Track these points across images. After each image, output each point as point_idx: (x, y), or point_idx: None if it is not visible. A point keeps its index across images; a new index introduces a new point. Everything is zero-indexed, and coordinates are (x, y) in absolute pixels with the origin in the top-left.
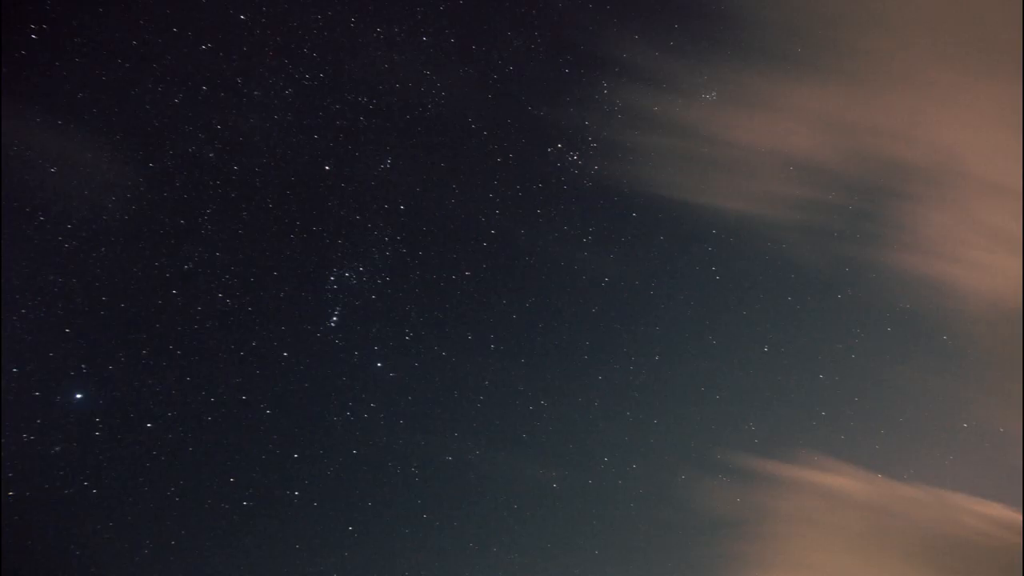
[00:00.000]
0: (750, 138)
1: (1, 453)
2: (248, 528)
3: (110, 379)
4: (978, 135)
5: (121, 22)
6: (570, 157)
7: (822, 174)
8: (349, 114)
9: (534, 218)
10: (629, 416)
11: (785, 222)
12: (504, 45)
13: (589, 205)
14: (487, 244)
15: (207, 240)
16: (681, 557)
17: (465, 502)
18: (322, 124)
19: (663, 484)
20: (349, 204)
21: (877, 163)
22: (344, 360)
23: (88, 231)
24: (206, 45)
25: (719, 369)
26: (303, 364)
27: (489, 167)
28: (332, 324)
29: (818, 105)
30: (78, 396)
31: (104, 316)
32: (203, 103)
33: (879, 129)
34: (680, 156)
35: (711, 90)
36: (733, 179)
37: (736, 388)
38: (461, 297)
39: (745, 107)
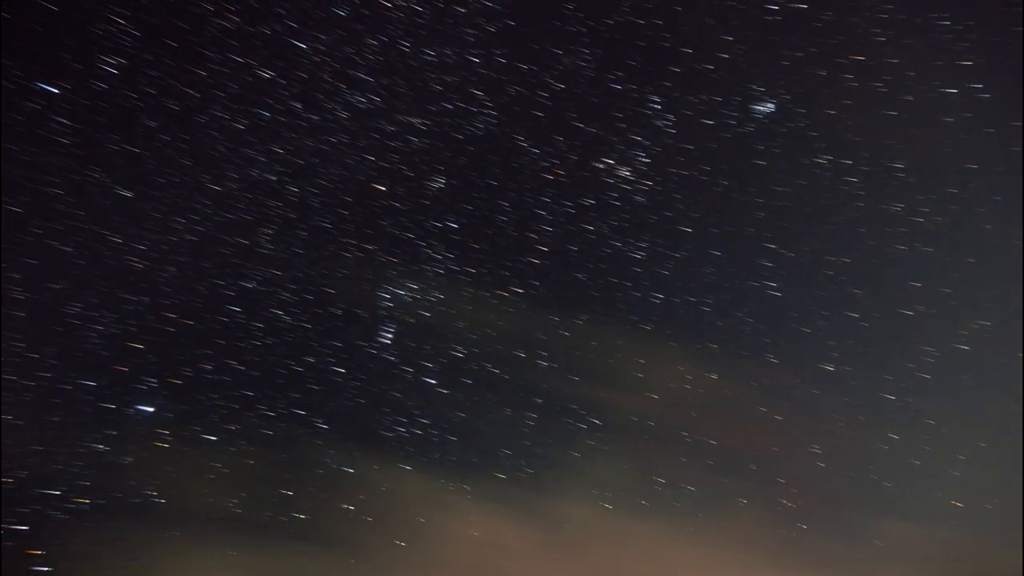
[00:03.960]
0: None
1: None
2: (304, 540)
3: (177, 393)
4: None
5: (190, 55)
6: (621, 173)
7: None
8: (402, 135)
9: (585, 234)
10: (686, 437)
11: (848, 236)
12: (554, 63)
13: (641, 220)
14: (538, 261)
15: (267, 259)
16: None
17: (517, 520)
18: (376, 145)
19: (722, 508)
20: (402, 223)
21: None
22: (397, 376)
23: (158, 251)
24: (268, 73)
25: (779, 388)
26: (358, 380)
27: (539, 184)
28: (386, 341)
29: None
30: (148, 409)
31: (172, 333)
32: (265, 128)
33: None
34: (734, 170)
35: (766, 102)
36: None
37: (797, 408)
38: (512, 314)
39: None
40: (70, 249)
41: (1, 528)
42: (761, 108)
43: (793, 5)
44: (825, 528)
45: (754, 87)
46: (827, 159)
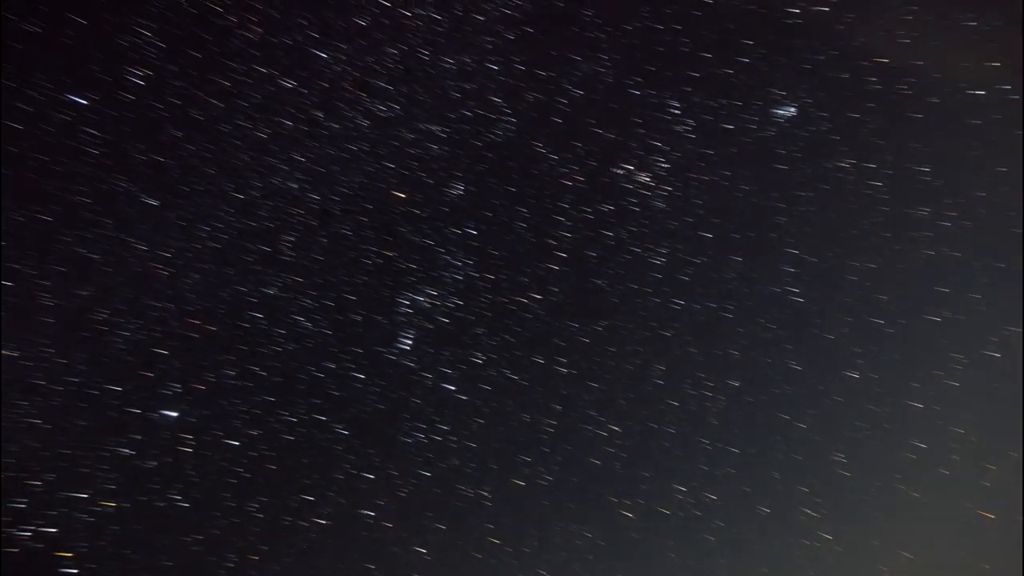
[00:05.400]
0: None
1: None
2: (324, 546)
3: (200, 398)
4: None
5: (214, 66)
6: (640, 178)
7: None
8: (421, 142)
9: (604, 240)
10: (706, 444)
11: (872, 241)
12: (572, 70)
13: (661, 226)
14: (557, 267)
15: (288, 267)
16: None
17: (536, 529)
18: (395, 153)
19: (743, 517)
20: (421, 230)
21: None
22: (416, 383)
23: (183, 259)
24: (289, 83)
25: (802, 396)
26: (377, 386)
27: (558, 191)
28: (405, 347)
29: None
30: (172, 414)
31: (195, 339)
32: (286, 137)
33: None
34: (754, 175)
35: (788, 106)
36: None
37: (821, 417)
38: (531, 321)
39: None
40: (97, 256)
41: (31, 530)
42: (782, 112)
43: (814, 8)
44: (849, 539)
45: (775, 91)
46: (850, 163)
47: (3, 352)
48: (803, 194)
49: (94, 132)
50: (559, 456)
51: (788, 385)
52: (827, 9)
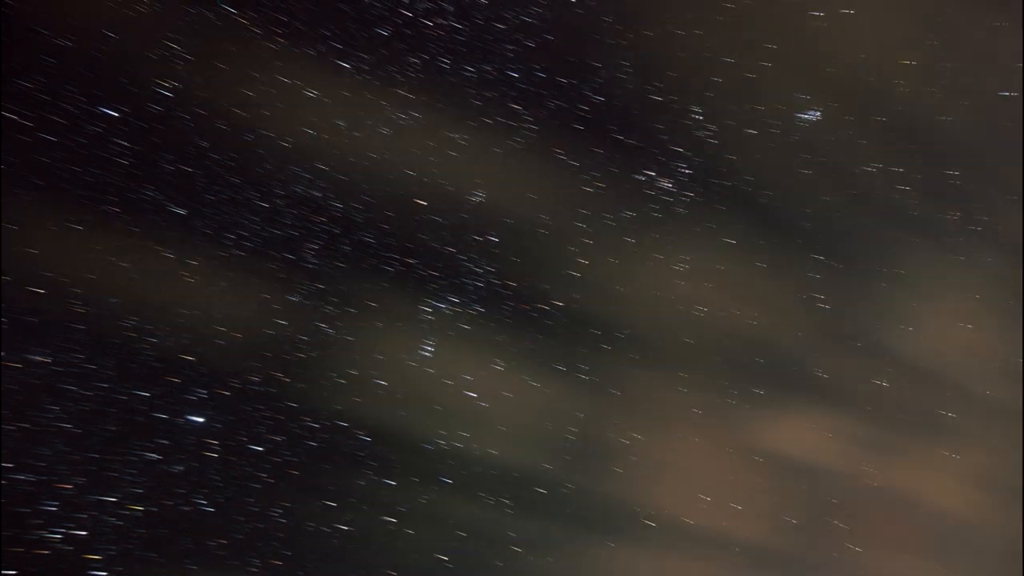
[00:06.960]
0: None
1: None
2: (346, 553)
3: (225, 404)
4: None
5: (239, 77)
6: (662, 185)
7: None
8: (442, 150)
9: (626, 247)
10: (731, 453)
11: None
12: (592, 76)
13: (683, 233)
14: (578, 274)
15: (312, 274)
16: None
17: (559, 536)
18: (417, 161)
19: (770, 527)
20: (443, 237)
21: None
22: (438, 389)
23: (209, 267)
24: (312, 93)
25: (830, 406)
26: (399, 393)
27: (579, 197)
28: (427, 354)
29: None
30: (198, 419)
31: (221, 345)
32: (310, 146)
33: None
34: (779, 180)
35: (812, 110)
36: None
37: (850, 426)
38: (553, 327)
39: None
40: (127, 265)
41: (62, 532)
42: (807, 116)
43: (839, 11)
44: (880, 551)
45: (799, 95)
46: (877, 167)
47: (37, 358)
48: (829, 200)
49: (124, 143)
50: (581, 464)
51: (816, 394)
52: (852, 11)
